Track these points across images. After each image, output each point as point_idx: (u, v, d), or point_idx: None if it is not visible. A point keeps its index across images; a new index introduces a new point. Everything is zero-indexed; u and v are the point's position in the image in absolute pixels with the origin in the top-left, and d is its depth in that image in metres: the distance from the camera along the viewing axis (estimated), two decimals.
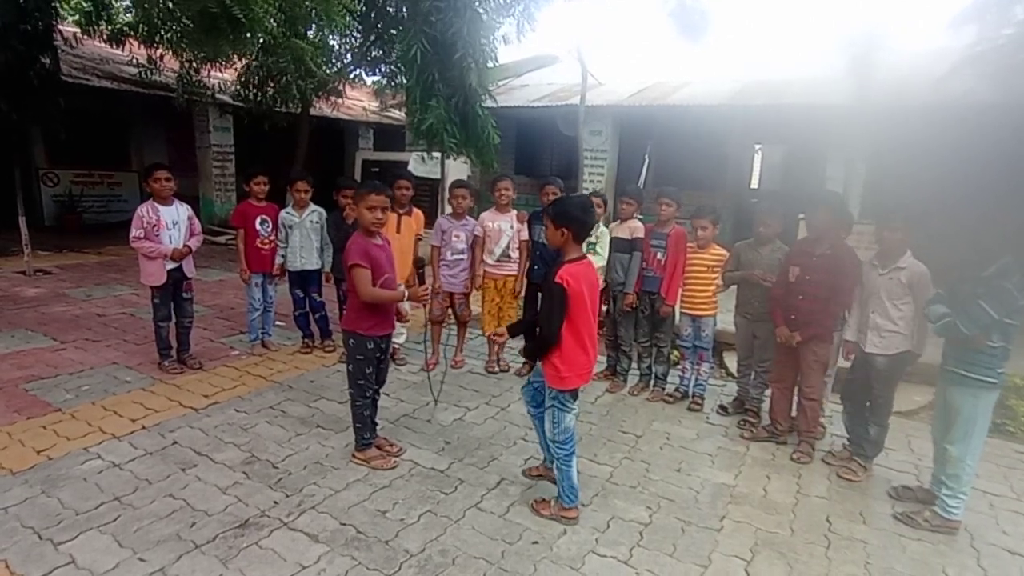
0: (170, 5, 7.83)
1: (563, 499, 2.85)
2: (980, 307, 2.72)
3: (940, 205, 6.94)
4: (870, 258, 3.36)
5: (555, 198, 3.18)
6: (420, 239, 4.87)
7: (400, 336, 4.93)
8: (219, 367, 4.60)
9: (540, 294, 4.57)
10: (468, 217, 4.71)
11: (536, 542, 2.67)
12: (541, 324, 2.71)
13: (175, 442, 3.39)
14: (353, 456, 3.32)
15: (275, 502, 2.87)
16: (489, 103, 6.27)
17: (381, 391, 3.46)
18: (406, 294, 3.21)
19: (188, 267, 4.43)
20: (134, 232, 4.16)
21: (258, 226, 4.81)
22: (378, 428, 3.47)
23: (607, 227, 4.46)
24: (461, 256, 4.65)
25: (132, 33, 8.85)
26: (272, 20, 7.95)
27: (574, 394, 2.80)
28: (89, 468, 3.08)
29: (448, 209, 4.85)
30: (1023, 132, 6.44)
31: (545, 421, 2.89)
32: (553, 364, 2.71)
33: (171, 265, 4.27)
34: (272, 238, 4.87)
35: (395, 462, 3.29)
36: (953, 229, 5.44)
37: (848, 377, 3.51)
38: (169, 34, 8.50)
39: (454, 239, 4.63)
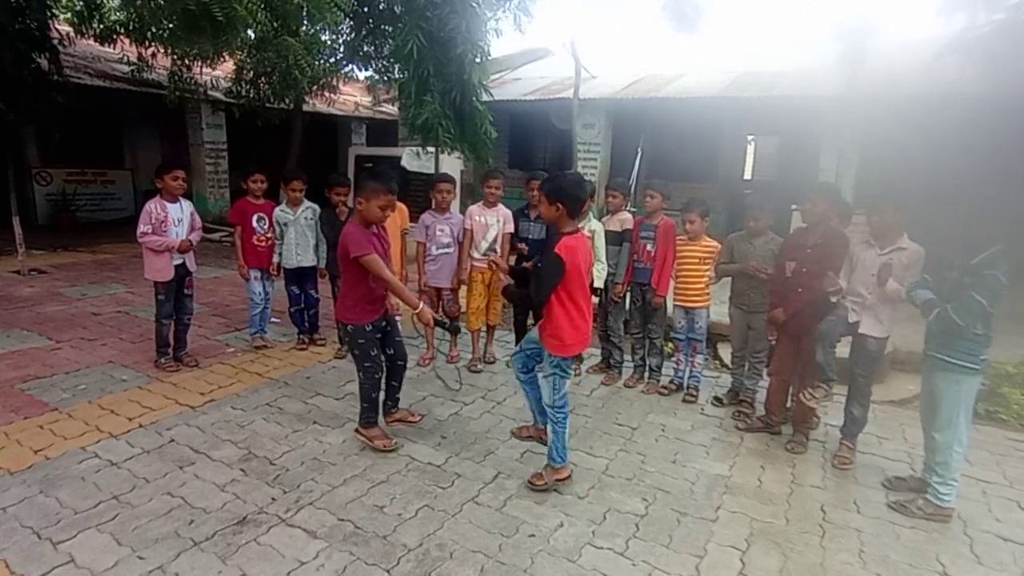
0: (160, 2, 7.77)
1: (553, 459, 2.99)
2: (973, 298, 2.75)
3: (931, 193, 6.97)
4: (864, 237, 3.34)
5: (549, 175, 3.23)
6: (406, 232, 4.88)
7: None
8: (215, 364, 4.60)
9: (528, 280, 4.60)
10: (452, 211, 4.70)
11: (533, 535, 2.69)
12: (533, 288, 2.91)
13: (172, 440, 3.39)
14: (356, 432, 3.43)
15: (273, 499, 2.88)
16: (485, 97, 6.26)
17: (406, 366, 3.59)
18: (421, 306, 3.25)
19: (190, 263, 4.46)
20: (142, 228, 4.18)
21: (255, 223, 4.83)
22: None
23: (600, 221, 4.46)
24: (447, 250, 4.65)
25: (123, 31, 8.78)
26: (260, 17, 7.88)
27: (571, 361, 2.98)
28: (87, 467, 3.08)
29: (455, 212, 4.82)
30: (1010, 120, 6.45)
31: (544, 389, 3.05)
32: (558, 335, 2.87)
33: (177, 260, 4.31)
34: (269, 235, 4.88)
35: (395, 443, 3.40)
36: (944, 217, 5.46)
37: (830, 318, 3.37)
38: (159, 32, 8.44)
39: (439, 233, 4.62)
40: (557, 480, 3.01)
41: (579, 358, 3.33)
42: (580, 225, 4.22)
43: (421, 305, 3.27)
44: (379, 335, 3.35)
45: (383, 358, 3.38)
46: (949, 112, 6.66)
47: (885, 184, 6.94)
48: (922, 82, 6.82)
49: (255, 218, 4.83)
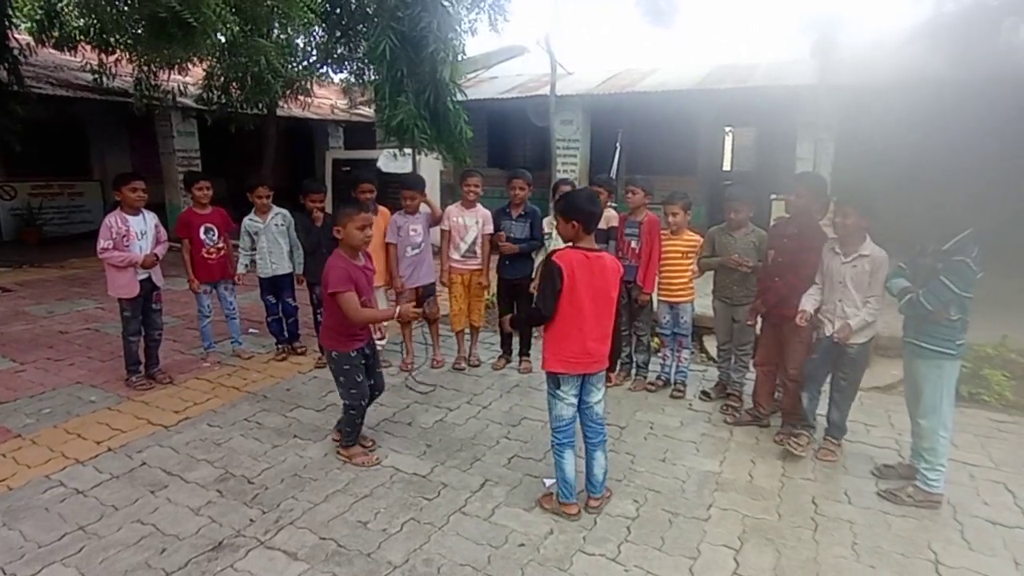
0: (125, 8, 7.52)
1: (559, 494, 2.84)
2: (942, 283, 2.76)
3: (905, 180, 7.02)
4: (831, 244, 3.30)
5: (561, 194, 3.21)
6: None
7: (383, 340, 4.83)
8: (190, 380, 4.44)
9: (516, 290, 4.56)
10: (422, 210, 4.58)
11: (522, 544, 2.62)
12: (538, 300, 2.74)
13: (143, 463, 3.25)
14: (338, 453, 3.34)
15: (251, 520, 2.76)
16: (459, 97, 6.16)
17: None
18: (397, 311, 3.24)
19: (157, 277, 4.28)
20: (102, 243, 4.01)
21: (202, 235, 4.62)
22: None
23: None
24: (419, 250, 4.55)
25: (84, 38, 8.50)
26: (230, 21, 7.70)
27: (556, 380, 2.76)
28: (51, 497, 2.93)
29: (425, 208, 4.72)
30: (982, 104, 6.52)
31: None
32: (544, 346, 2.76)
33: (142, 275, 4.14)
34: (220, 246, 4.70)
35: (377, 458, 3.32)
36: (918, 203, 5.49)
37: (811, 356, 3.43)
38: (124, 38, 8.18)
39: (411, 233, 4.51)
40: (563, 512, 2.82)
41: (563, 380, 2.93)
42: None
43: (397, 309, 3.26)
44: (363, 361, 3.27)
45: (368, 386, 3.30)
46: (921, 98, 6.71)
47: (861, 172, 7.02)
48: (892, 68, 6.87)
49: (202, 230, 4.61)
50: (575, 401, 2.80)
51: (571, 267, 2.63)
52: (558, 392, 2.77)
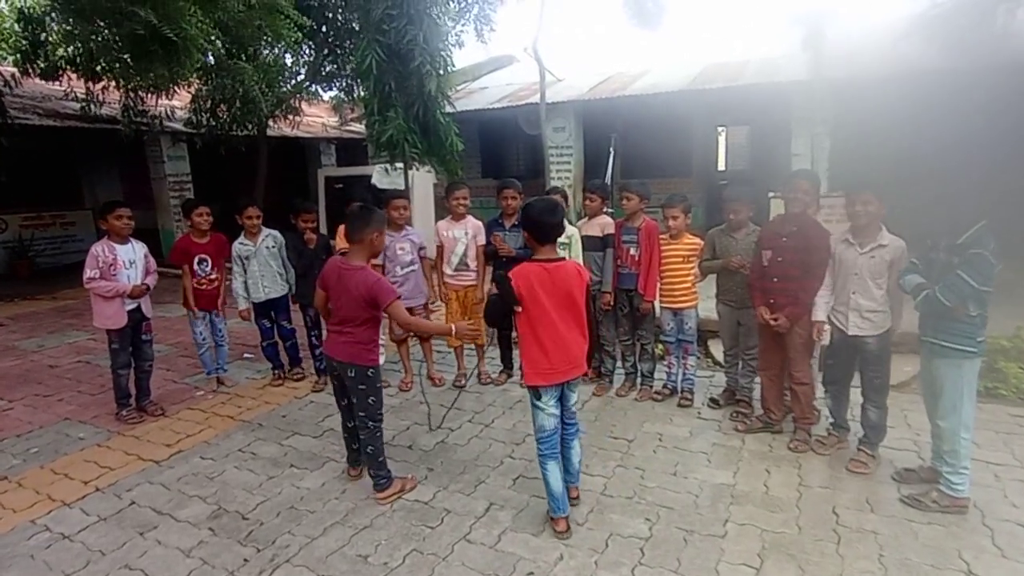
0: (107, 32, 7.46)
1: (549, 508, 2.77)
2: (959, 277, 2.64)
3: (907, 174, 6.93)
4: (842, 235, 3.20)
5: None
6: None
7: (381, 357, 4.71)
8: (183, 410, 4.32)
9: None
10: (408, 227, 4.48)
11: (531, 572, 2.48)
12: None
13: (133, 503, 3.11)
14: (379, 500, 3.03)
15: (245, 560, 2.63)
16: (449, 109, 6.09)
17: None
18: (454, 328, 3.07)
19: (146, 307, 4.16)
20: (88, 273, 3.90)
21: (196, 266, 4.49)
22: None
23: (575, 225, 4.28)
24: (412, 268, 4.43)
25: (69, 67, 8.45)
26: (215, 40, 7.64)
27: (536, 392, 2.70)
28: (36, 543, 2.80)
29: (415, 220, 4.62)
30: (979, 95, 6.44)
31: None
32: (520, 360, 2.76)
33: (131, 305, 4.02)
34: (213, 277, 4.57)
35: (415, 476, 3.26)
36: (922, 197, 5.38)
37: (828, 362, 3.41)
38: (110, 63, 8.12)
39: (399, 252, 4.37)
40: (552, 527, 2.74)
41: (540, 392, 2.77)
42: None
43: (453, 327, 3.07)
44: None
45: None
46: (918, 90, 6.64)
47: (859, 167, 6.93)
48: (888, 61, 6.80)
49: (196, 260, 4.48)
50: (556, 412, 2.74)
51: (528, 282, 2.58)
52: (538, 403, 2.72)
